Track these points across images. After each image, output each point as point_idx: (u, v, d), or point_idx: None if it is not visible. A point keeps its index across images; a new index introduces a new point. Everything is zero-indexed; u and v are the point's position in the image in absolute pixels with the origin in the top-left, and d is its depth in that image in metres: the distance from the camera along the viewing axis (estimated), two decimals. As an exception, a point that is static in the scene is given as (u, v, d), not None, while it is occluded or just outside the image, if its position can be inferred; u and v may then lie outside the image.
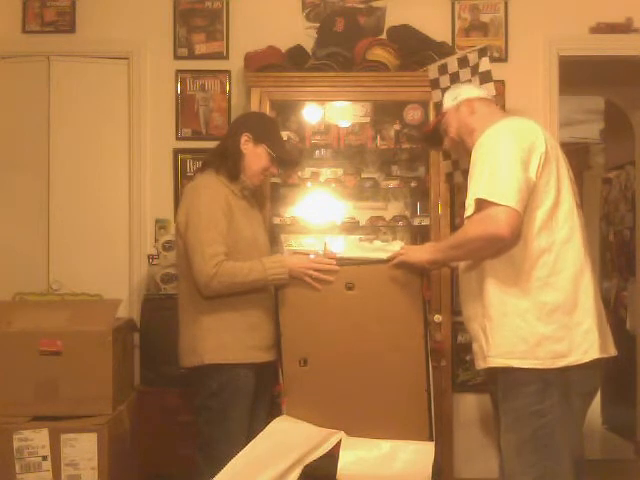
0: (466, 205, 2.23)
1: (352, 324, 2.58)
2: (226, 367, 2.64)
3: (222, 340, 2.65)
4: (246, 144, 2.76)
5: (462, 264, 2.40)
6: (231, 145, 2.77)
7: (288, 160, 2.93)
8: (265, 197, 3.12)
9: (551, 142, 2.27)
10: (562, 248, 2.18)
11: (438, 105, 3.51)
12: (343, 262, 2.63)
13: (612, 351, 2.25)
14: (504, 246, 2.19)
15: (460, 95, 2.52)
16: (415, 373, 2.57)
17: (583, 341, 2.15)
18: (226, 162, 2.74)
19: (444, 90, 3.48)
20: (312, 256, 2.74)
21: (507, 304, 2.20)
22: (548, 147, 2.22)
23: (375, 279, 2.58)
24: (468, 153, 2.43)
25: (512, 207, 2.11)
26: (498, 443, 2.34)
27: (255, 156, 2.76)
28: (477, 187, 2.17)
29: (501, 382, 2.23)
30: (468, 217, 2.22)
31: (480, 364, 2.32)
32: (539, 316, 2.16)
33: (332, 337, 2.60)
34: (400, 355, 2.57)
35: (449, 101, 2.54)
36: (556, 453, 2.16)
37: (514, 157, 2.16)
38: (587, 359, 2.15)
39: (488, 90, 3.29)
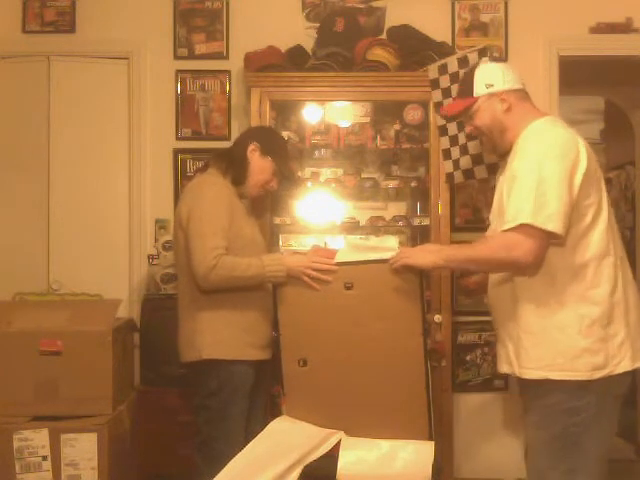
0: (506, 217, 2.19)
1: (351, 324, 2.58)
2: (224, 364, 2.66)
3: (220, 336, 2.67)
4: (253, 153, 2.80)
5: (494, 277, 2.39)
6: (238, 151, 2.82)
7: (290, 177, 2.97)
8: (265, 208, 3.13)
9: (589, 152, 2.23)
10: (600, 263, 2.19)
11: (438, 105, 3.53)
12: (342, 261, 2.64)
13: None
14: (523, 271, 2.21)
15: (494, 84, 2.35)
16: (414, 372, 2.57)
17: (617, 353, 2.18)
18: (233, 167, 2.78)
19: (444, 90, 3.50)
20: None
21: (545, 318, 2.21)
22: (589, 162, 2.20)
23: (374, 278, 2.57)
24: (493, 148, 2.42)
25: (557, 232, 2.12)
26: (525, 444, 2.36)
27: (259, 167, 2.80)
28: (523, 208, 2.14)
29: (534, 381, 2.24)
30: (504, 230, 2.19)
31: (504, 368, 2.34)
32: (579, 329, 2.17)
33: (331, 337, 2.60)
34: (399, 354, 2.57)
35: (481, 87, 2.36)
36: (585, 452, 2.18)
37: (560, 178, 2.13)
38: (619, 371, 2.18)
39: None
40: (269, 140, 2.87)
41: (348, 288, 2.59)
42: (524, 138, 2.27)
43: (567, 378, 2.17)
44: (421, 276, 2.55)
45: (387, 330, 2.57)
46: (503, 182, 2.30)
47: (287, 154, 2.93)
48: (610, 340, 2.18)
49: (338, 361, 2.59)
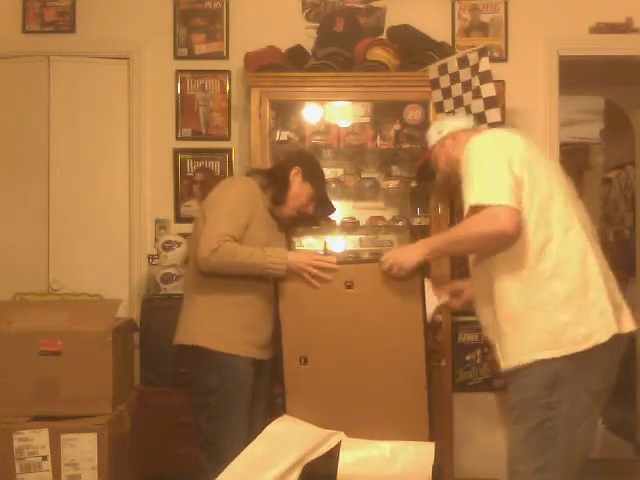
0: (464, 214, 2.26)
1: (352, 323, 2.58)
2: (221, 358, 2.67)
3: (218, 328, 2.70)
4: (295, 176, 2.86)
5: (474, 274, 2.41)
6: (281, 173, 2.88)
7: (325, 204, 2.99)
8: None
9: (530, 143, 2.33)
10: (564, 237, 2.21)
11: (438, 105, 3.54)
12: (343, 260, 2.64)
13: (630, 326, 2.26)
14: (508, 242, 2.20)
15: (444, 129, 2.58)
16: (415, 371, 2.58)
17: (601, 321, 2.18)
18: (274, 186, 2.84)
19: (444, 90, 3.51)
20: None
21: (522, 301, 2.22)
22: (527, 146, 2.28)
23: (374, 277, 2.57)
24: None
25: (508, 205, 2.14)
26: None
27: (299, 190, 2.86)
28: (470, 194, 2.20)
29: (513, 378, 2.27)
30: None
31: (503, 365, 2.34)
32: (556, 306, 2.18)
33: (332, 336, 2.60)
34: (400, 354, 2.57)
35: (434, 135, 2.59)
36: (560, 447, 2.19)
37: (497, 159, 2.21)
38: (607, 337, 2.17)
39: (488, 90, 3.31)
40: (311, 167, 2.93)
41: (349, 287, 2.59)
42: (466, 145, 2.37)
43: (557, 355, 2.17)
44: (422, 275, 2.56)
45: (388, 329, 2.57)
46: None
47: (325, 183, 3.01)
48: (591, 308, 2.18)
49: (339, 360, 2.59)
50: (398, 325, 2.57)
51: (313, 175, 2.90)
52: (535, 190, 2.22)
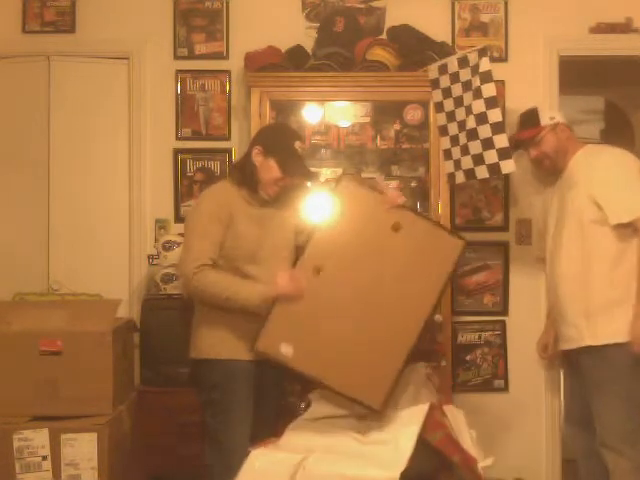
0: (617, 210, 2.89)
1: (378, 257, 2.62)
2: (223, 362, 2.71)
3: (220, 339, 2.73)
4: (257, 156, 2.81)
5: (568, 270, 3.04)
6: (246, 158, 2.86)
7: (297, 174, 2.86)
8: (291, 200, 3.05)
9: None
10: None
11: (438, 105, 3.54)
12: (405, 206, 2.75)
13: None
14: None
15: (556, 117, 3.19)
16: (405, 336, 2.60)
17: None
18: (244, 175, 2.81)
19: (444, 90, 3.50)
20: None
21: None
22: None
23: (422, 234, 2.64)
24: (553, 168, 3.19)
25: None
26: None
27: (266, 168, 2.80)
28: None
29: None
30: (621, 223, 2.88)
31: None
32: None
33: (354, 258, 2.63)
34: (400, 314, 2.60)
35: (546, 118, 3.16)
36: None
37: None
38: None
39: (488, 90, 3.31)
40: (271, 140, 2.84)
41: (395, 229, 2.64)
42: (595, 156, 3.06)
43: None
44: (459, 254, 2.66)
45: (404, 282, 2.61)
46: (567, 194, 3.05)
47: (290, 150, 2.82)
48: None
49: (348, 284, 2.61)
50: (415, 285, 2.60)
51: (274, 149, 2.79)
52: None
